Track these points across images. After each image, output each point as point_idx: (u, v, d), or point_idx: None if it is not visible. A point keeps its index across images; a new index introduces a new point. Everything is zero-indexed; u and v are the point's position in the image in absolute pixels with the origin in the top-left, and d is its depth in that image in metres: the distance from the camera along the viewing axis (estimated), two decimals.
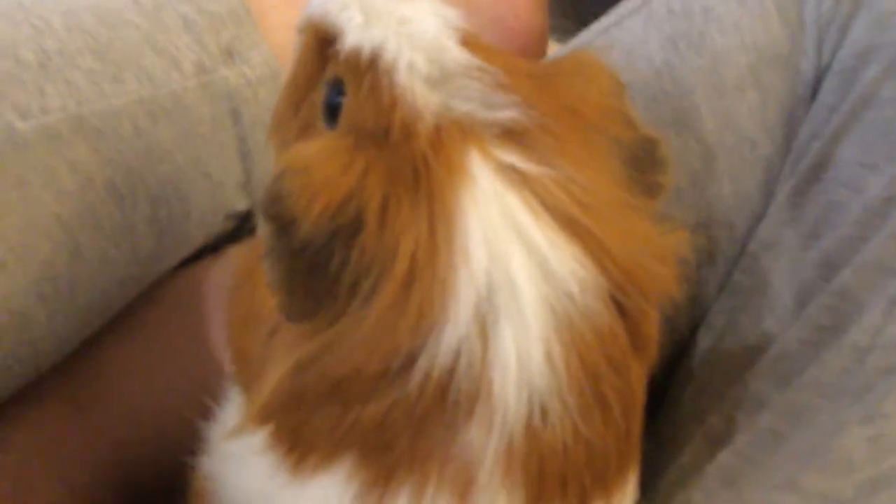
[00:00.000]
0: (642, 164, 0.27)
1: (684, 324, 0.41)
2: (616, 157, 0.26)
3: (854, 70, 0.37)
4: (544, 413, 0.24)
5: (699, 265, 0.40)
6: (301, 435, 0.26)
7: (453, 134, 0.25)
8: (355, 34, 0.27)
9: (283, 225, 0.24)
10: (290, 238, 0.24)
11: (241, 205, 0.45)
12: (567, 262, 0.24)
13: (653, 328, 0.26)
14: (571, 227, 0.24)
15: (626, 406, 0.26)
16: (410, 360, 0.24)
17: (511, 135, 0.25)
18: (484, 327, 0.24)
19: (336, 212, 0.24)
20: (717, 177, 0.39)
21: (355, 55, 0.26)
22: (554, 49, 0.47)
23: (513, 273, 0.23)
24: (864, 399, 0.31)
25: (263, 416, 0.27)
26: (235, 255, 0.32)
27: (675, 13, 0.40)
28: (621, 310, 0.25)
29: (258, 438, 0.27)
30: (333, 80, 0.27)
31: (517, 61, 0.27)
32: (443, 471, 0.24)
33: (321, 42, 0.29)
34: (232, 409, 0.32)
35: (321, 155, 0.25)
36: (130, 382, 0.43)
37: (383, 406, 0.24)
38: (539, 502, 0.25)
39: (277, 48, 0.45)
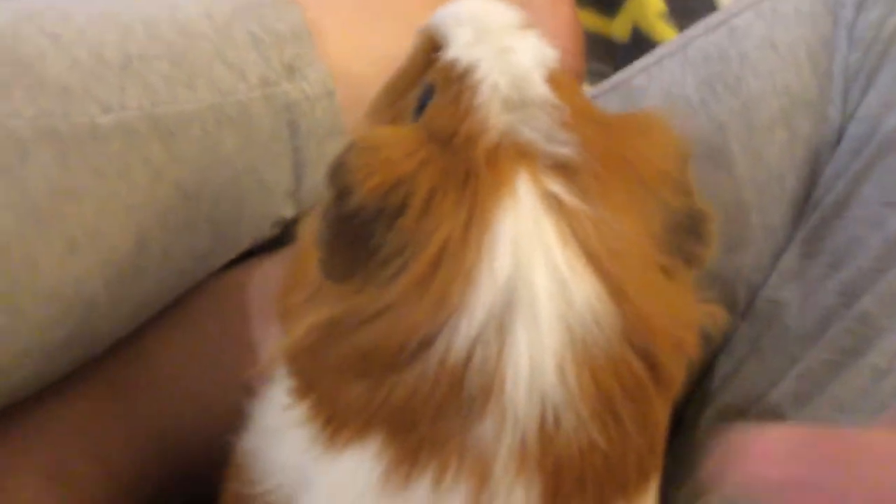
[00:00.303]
0: (687, 232, 0.28)
1: (707, 351, 0.43)
2: (659, 218, 0.28)
3: (878, 117, 0.40)
4: (557, 419, 0.25)
5: (726, 293, 0.42)
6: (336, 407, 0.28)
7: (510, 153, 0.27)
8: (458, 48, 0.30)
9: (340, 191, 0.27)
10: (343, 205, 0.27)
11: (288, 213, 0.48)
12: (586, 293, 0.26)
13: (675, 370, 0.28)
14: (596, 264, 0.26)
15: (646, 428, 0.27)
16: (427, 343, 0.26)
17: (562, 169, 0.27)
18: (501, 328, 0.25)
19: (387, 191, 0.26)
20: (747, 210, 0.41)
21: (451, 65, 0.29)
22: (588, 92, 0.49)
23: (533, 285, 0.25)
24: (879, 418, 0.33)
25: (292, 353, 0.29)
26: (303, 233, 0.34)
27: (712, 58, 0.43)
28: (637, 349, 0.26)
29: (298, 411, 0.29)
30: (429, 84, 0.30)
31: (591, 107, 0.29)
32: (461, 459, 0.26)
33: (431, 47, 0.31)
34: (277, 389, 0.34)
35: (390, 139, 0.27)
36: (172, 369, 0.45)
37: (407, 386, 0.26)
38: (557, 499, 0.26)
39: (333, 69, 0.48)
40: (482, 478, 0.26)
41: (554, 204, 0.26)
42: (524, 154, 0.27)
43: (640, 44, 0.73)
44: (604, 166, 0.27)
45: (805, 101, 0.41)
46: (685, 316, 0.28)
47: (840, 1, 0.42)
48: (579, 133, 0.28)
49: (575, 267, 0.26)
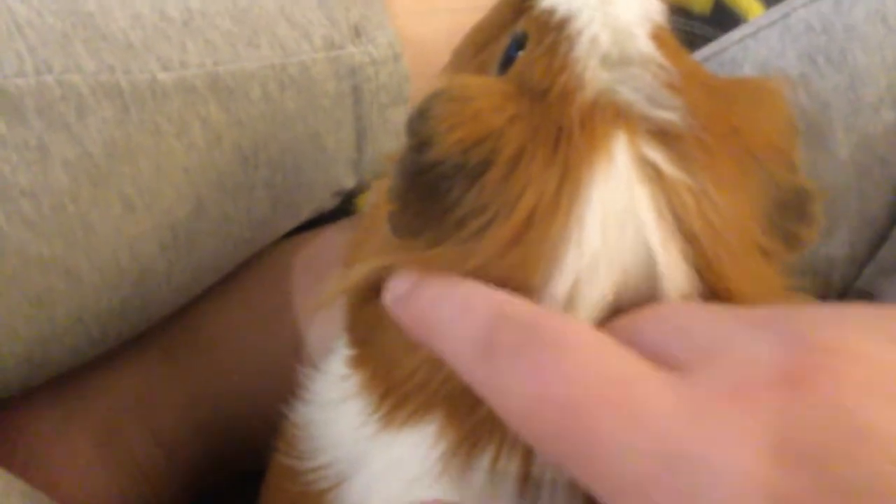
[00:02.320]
0: (790, 211, 0.26)
1: None
2: (765, 193, 0.25)
3: None
4: None
5: (816, 281, 0.39)
6: (394, 379, 0.26)
7: (607, 114, 0.24)
8: None
9: (420, 141, 0.25)
10: (422, 156, 0.25)
11: (349, 182, 0.46)
12: (674, 271, 0.23)
13: None
14: (692, 242, 0.24)
15: None
16: None
17: (664, 135, 0.24)
18: (572, 307, 0.23)
19: (471, 146, 0.24)
20: (844, 194, 0.38)
21: (548, 14, 0.27)
22: None
23: (617, 262, 0.23)
24: None
25: (350, 300, 0.27)
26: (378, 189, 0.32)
27: (814, 29, 0.39)
28: None
29: (355, 381, 0.28)
30: (519, 34, 0.27)
31: (699, 69, 0.27)
32: (515, 440, 0.24)
33: None
34: (334, 359, 0.32)
35: (478, 90, 0.25)
36: (225, 339, 0.44)
37: None
38: None
39: (400, 33, 0.46)
40: (528, 456, 0.24)
41: (652, 173, 0.24)
42: (623, 116, 0.24)
43: (724, 18, 0.69)
44: (710, 135, 0.24)
45: None
46: (776, 301, 0.25)
47: None
48: (685, 97, 0.25)
49: (666, 244, 0.23)
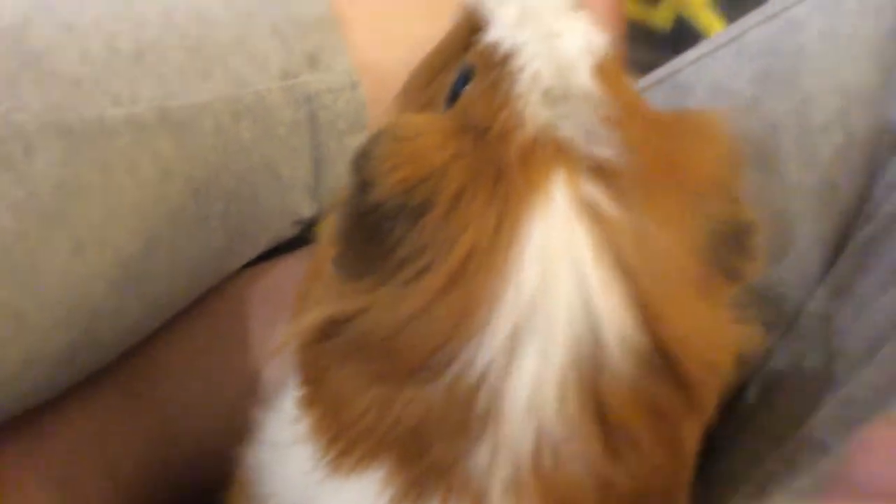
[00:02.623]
0: (732, 245, 0.26)
1: (739, 371, 0.41)
2: (705, 229, 0.25)
3: None
4: (556, 452, 0.23)
5: (768, 304, 0.39)
6: (343, 423, 0.26)
7: (547, 152, 0.24)
8: (501, 30, 0.27)
9: (363, 181, 0.25)
10: (365, 196, 0.25)
11: (307, 211, 0.46)
12: (613, 313, 0.23)
13: (707, 394, 0.26)
14: (630, 280, 0.24)
15: (672, 455, 0.25)
16: (445, 359, 0.24)
17: (603, 172, 0.24)
18: (514, 348, 0.23)
19: (413, 186, 0.24)
20: (794, 218, 0.38)
21: (492, 49, 0.27)
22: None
23: (555, 304, 0.23)
24: None
25: (297, 349, 0.27)
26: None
27: (768, 50, 0.40)
28: (666, 372, 0.24)
29: (305, 423, 0.28)
30: (466, 68, 0.27)
31: (641, 103, 0.27)
32: (463, 489, 0.24)
33: (471, 27, 0.29)
34: (286, 399, 0.32)
35: (420, 128, 0.25)
36: (183, 374, 0.44)
37: (420, 406, 0.24)
38: None
39: (358, 61, 0.46)
40: None
41: (591, 211, 0.24)
42: (563, 153, 0.24)
43: (683, 34, 0.70)
44: (649, 170, 0.25)
45: (864, 102, 0.38)
46: (721, 337, 0.25)
47: None
48: (625, 132, 0.25)
49: (606, 284, 0.23)
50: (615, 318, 0.23)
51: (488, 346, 0.23)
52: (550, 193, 0.24)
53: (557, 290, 0.23)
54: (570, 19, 0.27)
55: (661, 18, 0.71)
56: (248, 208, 0.42)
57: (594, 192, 0.24)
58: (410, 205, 0.24)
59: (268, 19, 0.43)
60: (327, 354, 0.26)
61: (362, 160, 0.25)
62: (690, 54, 0.42)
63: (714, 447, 0.40)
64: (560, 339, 0.23)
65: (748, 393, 0.40)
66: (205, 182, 0.40)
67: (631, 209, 0.24)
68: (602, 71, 0.26)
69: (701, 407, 0.26)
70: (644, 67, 0.47)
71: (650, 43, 0.74)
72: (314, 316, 0.26)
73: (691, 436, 0.26)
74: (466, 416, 0.24)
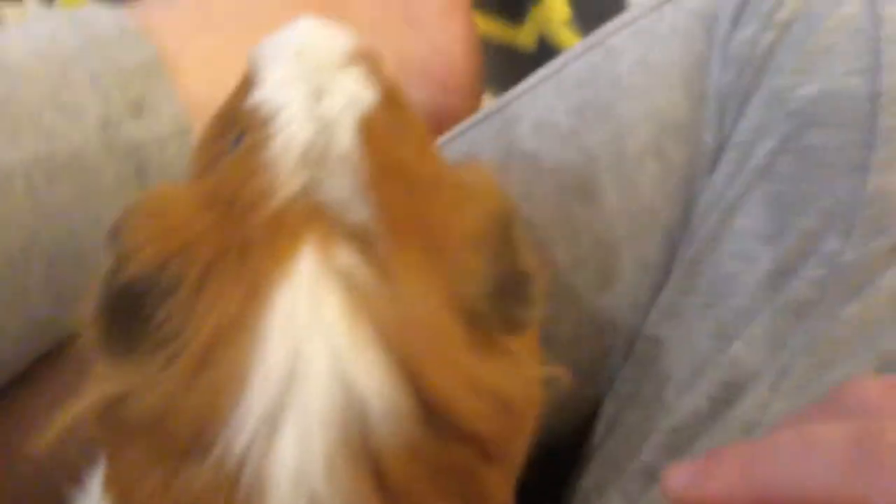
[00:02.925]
0: (509, 296, 0.25)
1: (592, 394, 0.41)
2: (468, 287, 0.25)
3: (751, 143, 0.37)
4: None
5: (603, 332, 0.40)
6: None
7: (296, 220, 0.24)
8: (266, 89, 0.26)
9: (117, 259, 0.24)
10: (119, 274, 0.24)
11: None
12: (371, 377, 0.23)
13: (504, 442, 0.26)
14: (387, 344, 0.23)
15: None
16: (208, 440, 0.23)
17: (358, 237, 0.24)
18: (273, 426, 0.23)
19: (163, 263, 0.24)
20: (618, 244, 0.39)
21: (255, 110, 0.26)
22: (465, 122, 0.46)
23: (309, 376, 0.23)
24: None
25: (79, 419, 0.26)
26: None
27: (585, 82, 0.40)
28: (442, 428, 0.24)
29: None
30: (242, 129, 0.27)
31: (408, 162, 0.26)
32: None
33: (251, 81, 0.28)
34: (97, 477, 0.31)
35: (171, 202, 0.24)
36: (27, 425, 0.42)
37: (193, 486, 0.23)
38: None
39: (191, 104, 0.44)
40: None
41: (343, 278, 0.23)
42: (314, 220, 0.24)
43: (548, 54, 0.70)
44: (403, 234, 0.24)
45: (677, 127, 0.39)
46: (499, 387, 0.25)
47: (716, 15, 0.40)
48: (382, 194, 0.25)
49: (360, 350, 0.23)
50: (374, 383, 0.23)
51: (245, 426, 0.23)
52: (297, 263, 0.23)
53: (310, 362, 0.23)
54: (342, 74, 0.27)
55: (524, 39, 0.72)
56: (73, 269, 0.41)
57: (347, 257, 0.24)
58: (162, 282, 0.24)
59: (85, 69, 0.42)
60: (118, 432, 0.26)
61: (114, 237, 0.24)
62: (518, 87, 0.43)
63: (571, 482, 0.40)
64: (318, 410, 0.23)
65: (599, 423, 0.40)
66: (21, 249, 0.38)
67: (385, 273, 0.24)
68: (368, 130, 0.26)
69: (500, 456, 0.26)
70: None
71: (517, 63, 0.75)
72: (92, 394, 0.26)
73: (497, 485, 0.26)
74: (231, 497, 0.23)
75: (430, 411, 0.23)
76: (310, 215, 0.24)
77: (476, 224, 0.25)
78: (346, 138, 0.25)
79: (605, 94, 0.40)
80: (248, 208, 0.24)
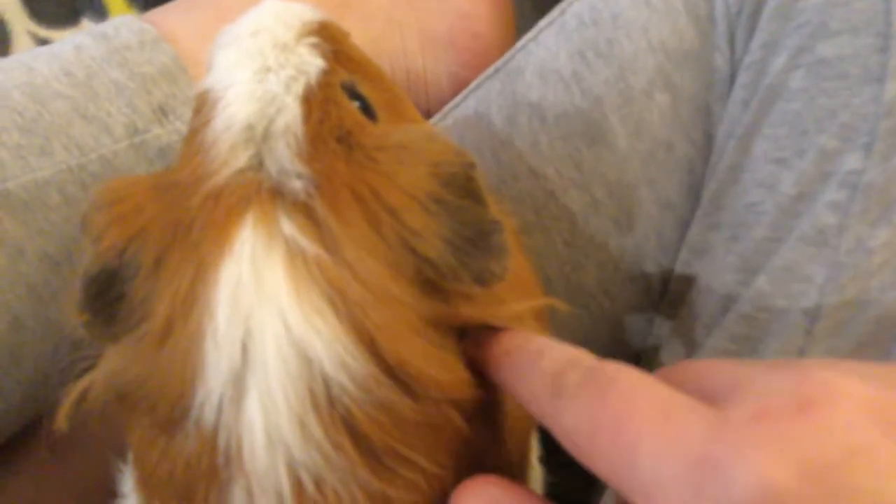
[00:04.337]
0: (474, 248, 0.25)
1: (628, 342, 0.40)
2: (420, 245, 0.25)
3: (763, 61, 0.35)
4: (318, 480, 0.23)
5: (631, 276, 0.39)
6: (146, 476, 0.26)
7: (238, 195, 0.24)
8: (215, 74, 0.27)
9: (87, 248, 0.25)
10: (90, 263, 0.25)
11: None
12: (322, 342, 0.23)
13: (492, 398, 0.26)
14: (335, 311, 0.23)
15: (453, 460, 0.25)
16: (185, 408, 0.24)
17: (300, 207, 0.24)
18: (237, 391, 0.23)
19: (122, 249, 0.25)
20: (634, 185, 0.37)
21: (205, 95, 0.27)
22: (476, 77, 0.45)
23: (262, 342, 0.23)
24: None
25: (82, 398, 0.27)
26: None
27: (585, 23, 0.39)
28: (407, 387, 0.24)
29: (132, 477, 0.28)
30: None
31: (351, 128, 0.26)
32: None
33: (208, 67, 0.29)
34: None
35: (124, 191, 0.26)
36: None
37: (181, 453, 0.24)
38: None
39: None
40: None
41: (286, 249, 0.24)
42: (256, 194, 0.24)
43: None
44: (344, 201, 0.24)
45: (684, 55, 0.37)
46: (435, 352, 0.24)
47: None
48: (323, 163, 0.25)
49: (308, 316, 0.23)
50: (326, 347, 0.23)
51: (210, 393, 0.23)
52: (239, 238, 0.24)
53: (260, 330, 0.23)
54: (290, 52, 0.27)
55: None
56: None
57: (290, 228, 0.24)
58: (125, 269, 0.25)
59: (110, 80, 0.44)
60: (126, 410, 0.27)
61: (81, 227, 0.25)
62: (522, 39, 0.42)
63: None
64: (275, 374, 0.23)
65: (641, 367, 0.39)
66: (63, 254, 0.41)
67: (328, 241, 0.24)
68: (312, 101, 0.26)
69: (482, 413, 0.25)
70: None
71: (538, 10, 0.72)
72: (96, 371, 0.27)
73: (489, 441, 0.26)
74: (213, 460, 0.24)
75: (393, 375, 0.23)
76: (252, 189, 0.24)
77: (420, 182, 0.25)
78: (288, 112, 0.25)
79: (605, 34, 0.38)
80: (193, 188, 0.25)
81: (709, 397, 0.20)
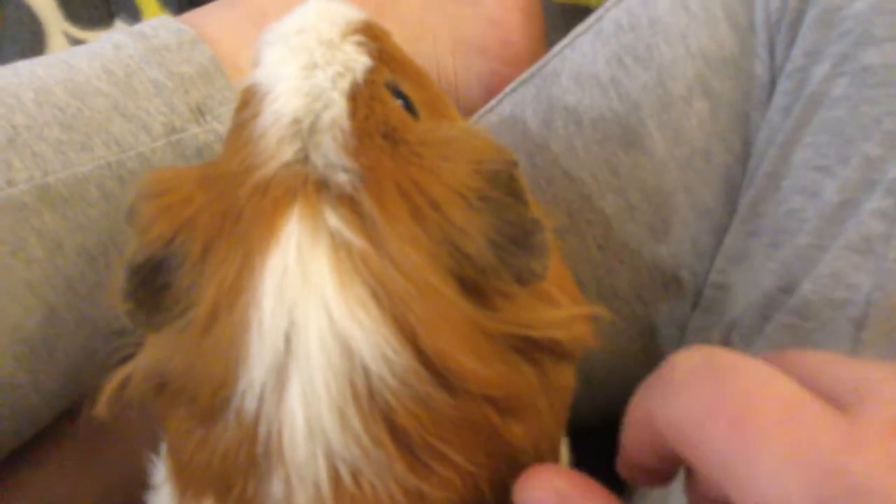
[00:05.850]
0: (517, 247, 0.25)
1: (659, 350, 0.40)
2: (463, 241, 0.25)
3: (805, 69, 0.35)
4: (356, 473, 0.23)
5: (665, 283, 0.39)
6: (180, 466, 0.27)
7: (285, 187, 0.25)
8: (262, 69, 0.28)
9: (134, 239, 0.26)
10: (136, 253, 0.26)
11: None
12: (365, 335, 0.23)
13: (532, 395, 0.25)
14: (378, 304, 0.23)
15: (490, 460, 0.25)
16: (226, 398, 0.24)
17: (346, 201, 0.24)
18: (279, 381, 0.24)
19: (170, 239, 0.25)
20: (671, 191, 0.37)
21: (252, 90, 0.27)
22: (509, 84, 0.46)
23: (306, 334, 0.23)
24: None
25: (123, 388, 0.27)
26: None
27: (623, 28, 0.39)
28: (454, 387, 0.24)
29: (165, 467, 0.28)
30: None
31: (399, 125, 0.26)
32: None
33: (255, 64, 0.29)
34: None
35: (170, 182, 0.26)
36: (135, 422, 0.45)
37: (221, 442, 0.25)
38: None
39: None
40: None
41: (331, 241, 0.24)
42: (303, 187, 0.25)
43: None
44: (389, 194, 0.24)
45: (724, 62, 0.37)
46: (480, 346, 0.24)
47: None
48: (369, 158, 0.25)
49: (352, 309, 0.23)
50: (368, 339, 0.23)
51: (252, 382, 0.24)
52: (286, 230, 0.24)
53: (303, 320, 0.23)
54: (336, 49, 0.27)
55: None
56: None
57: (335, 221, 0.24)
58: (172, 257, 0.25)
59: (148, 80, 0.44)
60: (164, 400, 0.27)
61: (128, 219, 0.26)
62: (558, 45, 0.42)
63: None
64: (318, 365, 0.23)
65: None
66: (100, 249, 0.41)
67: (372, 234, 0.24)
68: (357, 98, 0.26)
69: (519, 409, 0.25)
70: None
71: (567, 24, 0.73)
72: (137, 361, 0.27)
73: (522, 438, 0.26)
74: (252, 450, 0.24)
75: (433, 369, 0.23)
76: (299, 182, 0.24)
77: (464, 178, 0.25)
78: (335, 108, 0.26)
79: (644, 39, 0.38)
80: (241, 179, 0.25)
81: (828, 398, 0.19)
